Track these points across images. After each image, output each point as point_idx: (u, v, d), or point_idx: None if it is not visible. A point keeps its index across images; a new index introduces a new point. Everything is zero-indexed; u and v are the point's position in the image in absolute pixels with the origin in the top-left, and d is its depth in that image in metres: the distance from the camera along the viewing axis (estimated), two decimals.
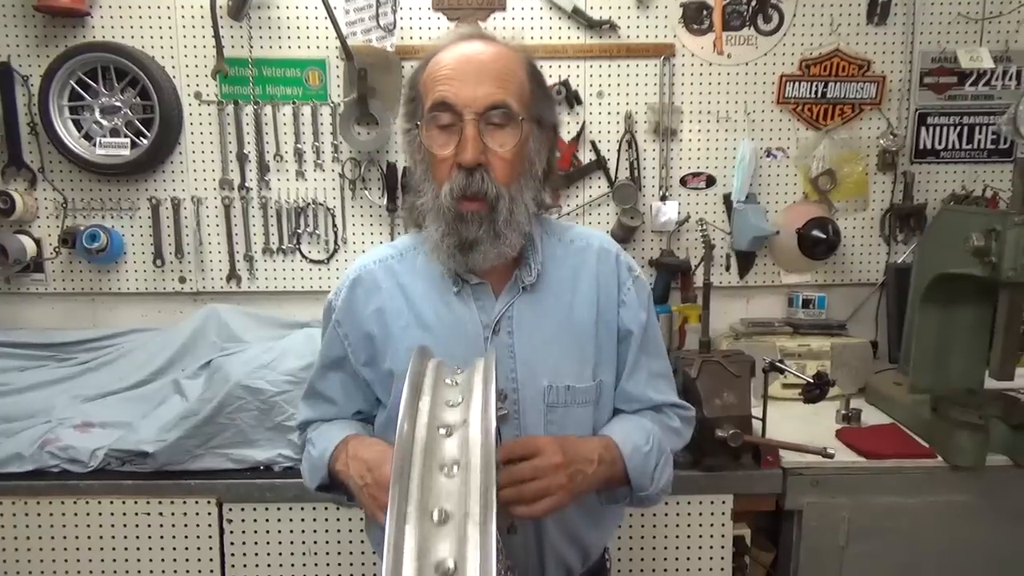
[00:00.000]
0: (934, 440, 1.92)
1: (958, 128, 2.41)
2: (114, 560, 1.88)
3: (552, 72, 2.33)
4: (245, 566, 1.89)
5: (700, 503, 1.87)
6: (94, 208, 2.36)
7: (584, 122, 2.37)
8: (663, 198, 2.41)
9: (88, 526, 1.86)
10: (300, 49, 2.32)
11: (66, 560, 1.87)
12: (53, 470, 1.86)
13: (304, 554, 1.89)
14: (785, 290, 2.49)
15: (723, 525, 1.88)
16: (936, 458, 1.87)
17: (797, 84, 2.37)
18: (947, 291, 1.97)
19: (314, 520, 1.87)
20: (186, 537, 1.87)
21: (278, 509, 1.86)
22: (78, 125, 2.28)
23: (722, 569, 1.90)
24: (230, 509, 1.87)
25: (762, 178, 2.43)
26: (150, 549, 1.87)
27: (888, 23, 2.36)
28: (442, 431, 0.81)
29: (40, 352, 2.29)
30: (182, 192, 2.37)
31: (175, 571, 1.88)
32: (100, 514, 1.86)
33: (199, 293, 2.42)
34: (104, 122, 2.27)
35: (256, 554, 1.88)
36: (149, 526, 1.86)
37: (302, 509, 1.87)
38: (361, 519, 1.82)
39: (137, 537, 1.87)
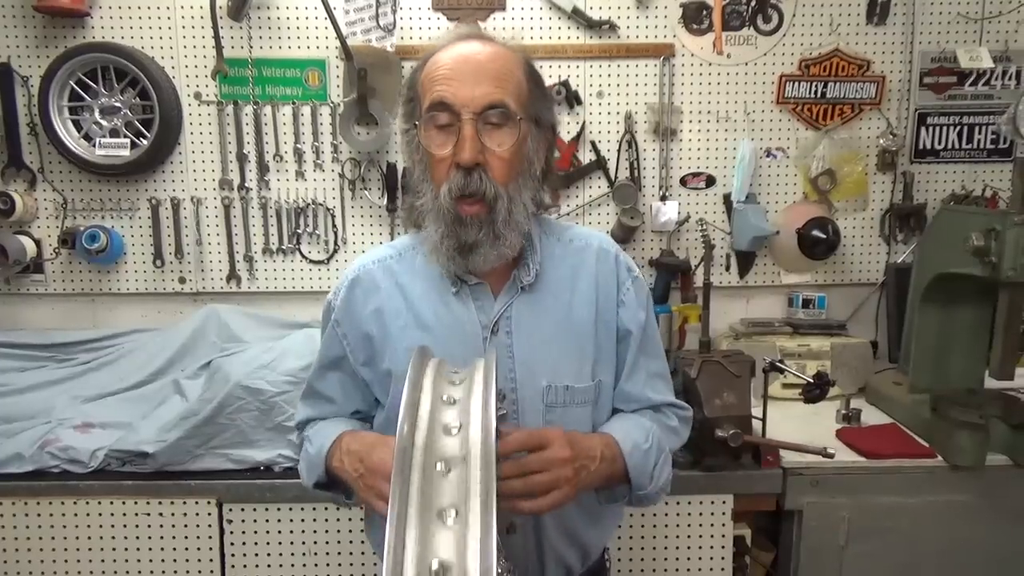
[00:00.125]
0: (934, 440, 1.92)
1: (958, 128, 2.41)
2: (114, 560, 1.88)
3: (552, 72, 2.33)
4: (245, 566, 1.89)
5: (700, 503, 1.87)
6: (94, 208, 2.36)
7: (584, 122, 2.37)
8: (663, 198, 2.41)
9: (88, 526, 1.86)
10: (300, 49, 2.32)
11: (66, 560, 1.87)
12: (53, 470, 1.86)
13: (304, 554, 1.89)
14: (785, 290, 2.49)
15: (723, 525, 1.88)
16: (936, 458, 1.88)
17: (797, 84, 2.37)
18: (947, 291, 1.97)
19: (314, 520, 1.87)
20: (186, 538, 1.87)
21: (278, 509, 1.86)
22: (78, 125, 2.28)
23: (722, 569, 1.90)
24: (230, 509, 1.87)
25: (762, 178, 2.43)
26: (150, 550, 1.87)
27: (888, 23, 2.36)
28: (442, 431, 0.81)
29: (40, 353, 2.29)
30: (182, 192, 2.37)
31: (175, 571, 1.88)
32: (100, 514, 1.86)
33: (199, 293, 2.42)
34: (104, 122, 2.27)
35: (256, 554, 1.88)
36: (149, 526, 1.86)
37: (302, 509, 1.87)
38: (361, 519, 1.83)
39: (137, 538, 1.87)
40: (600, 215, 2.42)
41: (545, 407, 1.20)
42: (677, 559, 1.90)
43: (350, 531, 1.88)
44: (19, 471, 1.85)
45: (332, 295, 1.29)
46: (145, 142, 2.27)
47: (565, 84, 2.34)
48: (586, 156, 2.39)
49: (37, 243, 2.36)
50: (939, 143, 2.42)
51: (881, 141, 2.40)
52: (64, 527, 1.86)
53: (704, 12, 2.34)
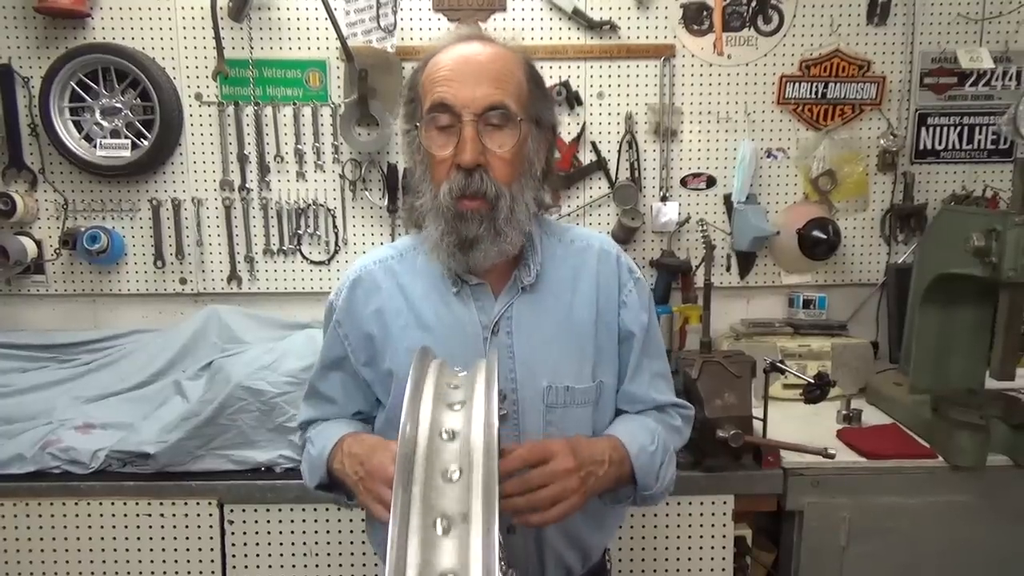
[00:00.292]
0: (935, 440, 1.92)
1: (958, 128, 2.41)
2: (115, 561, 1.88)
3: (552, 73, 2.33)
4: (246, 567, 1.89)
5: (701, 504, 1.87)
6: (95, 209, 2.36)
7: (584, 123, 2.37)
8: (664, 199, 2.41)
9: (89, 527, 1.86)
10: (300, 50, 2.32)
11: (67, 561, 1.87)
12: (54, 471, 1.86)
13: (305, 555, 1.89)
14: (786, 290, 2.49)
15: (724, 525, 1.88)
16: (937, 458, 1.88)
17: (797, 85, 2.38)
18: (947, 291, 1.97)
19: (315, 521, 1.87)
20: (187, 538, 1.87)
21: (279, 510, 1.87)
22: (79, 126, 2.28)
23: (723, 570, 1.90)
24: (231, 510, 1.87)
25: (762, 179, 2.43)
26: (151, 550, 1.87)
27: (888, 23, 2.36)
28: (444, 434, 0.81)
29: (41, 353, 2.29)
30: (183, 193, 2.37)
31: (176, 572, 1.88)
32: (101, 515, 1.86)
33: (200, 294, 2.42)
34: (105, 123, 2.27)
35: (257, 555, 1.88)
36: (150, 527, 1.86)
37: (303, 510, 1.87)
38: (362, 520, 1.83)
39: (138, 538, 1.87)
40: (601, 216, 2.42)
41: (545, 407, 1.20)
42: (678, 560, 1.90)
43: (351, 532, 1.88)
44: (20, 472, 1.85)
45: (334, 295, 1.29)
46: (146, 143, 2.28)
47: (566, 85, 2.34)
48: (586, 157, 2.39)
49: (38, 244, 2.36)
50: (939, 143, 2.42)
51: (881, 141, 2.40)
52: (65, 528, 1.86)
53: (704, 13, 2.34)
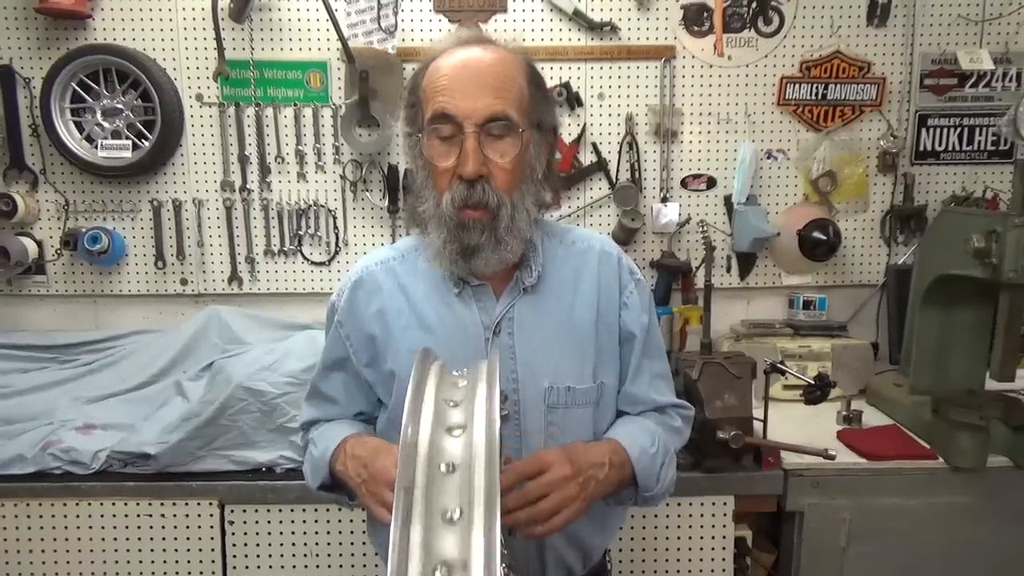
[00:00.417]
0: (935, 441, 1.92)
1: (958, 130, 2.42)
2: (116, 562, 1.88)
3: (553, 74, 2.33)
4: (247, 568, 1.89)
5: (701, 504, 1.87)
6: (96, 210, 2.37)
7: (585, 124, 2.37)
8: (664, 200, 2.41)
9: (90, 528, 1.86)
10: (301, 51, 2.32)
11: (68, 562, 1.88)
12: (55, 472, 1.86)
13: (306, 556, 1.89)
14: (786, 291, 2.49)
15: (724, 526, 1.88)
16: (937, 459, 1.88)
17: (797, 86, 2.38)
18: (947, 292, 1.97)
19: (316, 522, 1.88)
20: (188, 539, 1.87)
21: (280, 511, 1.87)
22: (80, 127, 2.28)
23: (723, 570, 1.90)
24: (232, 511, 1.87)
25: (763, 180, 2.43)
26: (152, 551, 1.87)
27: (888, 25, 2.36)
28: (446, 435, 0.81)
29: (42, 354, 2.29)
30: (183, 194, 2.37)
31: (177, 573, 1.88)
32: (102, 516, 1.86)
33: (200, 295, 2.42)
34: (106, 124, 2.27)
35: (258, 556, 1.89)
36: (151, 528, 1.86)
37: (304, 511, 1.87)
38: (363, 520, 1.83)
39: (139, 539, 1.87)
40: (601, 217, 2.43)
41: (547, 408, 1.20)
42: (678, 560, 1.90)
43: (351, 532, 1.88)
44: (21, 472, 1.85)
45: (335, 296, 1.29)
46: (147, 144, 2.28)
47: (566, 86, 2.34)
48: (587, 158, 2.40)
49: (39, 244, 2.36)
50: (940, 145, 2.42)
51: (882, 143, 2.40)
52: (66, 528, 1.86)
53: (705, 14, 2.34)
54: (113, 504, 1.86)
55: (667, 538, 1.89)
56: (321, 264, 2.42)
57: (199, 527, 1.86)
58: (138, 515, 1.86)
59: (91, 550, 1.87)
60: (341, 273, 2.39)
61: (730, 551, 1.90)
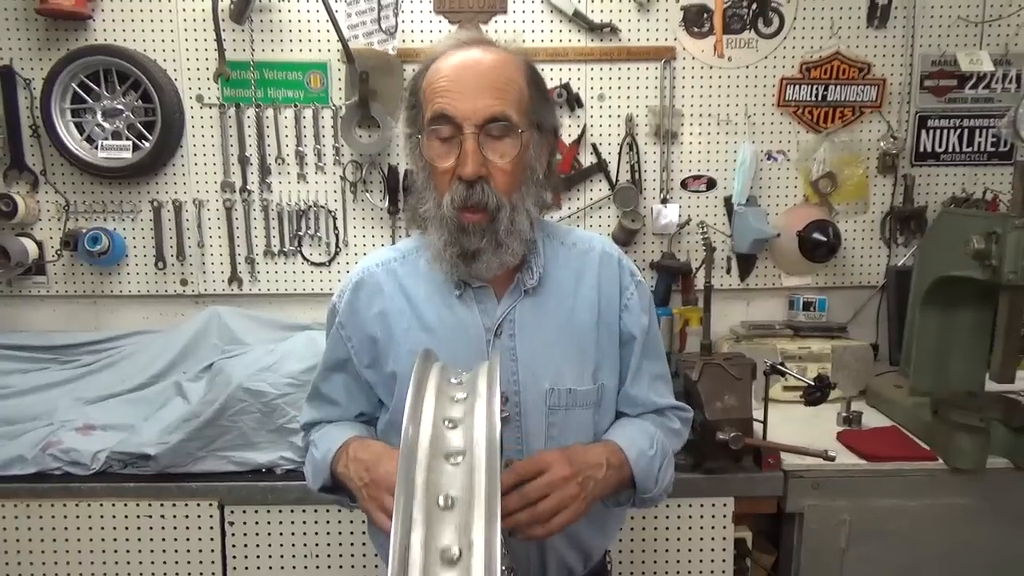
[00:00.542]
0: (935, 443, 1.92)
1: (958, 131, 2.42)
2: (116, 563, 1.88)
3: (553, 75, 2.33)
4: (247, 568, 1.89)
5: (701, 506, 1.87)
6: (96, 211, 2.37)
7: (585, 125, 2.38)
8: (664, 201, 2.41)
9: (90, 528, 1.86)
10: (302, 52, 2.32)
11: (67, 563, 1.88)
12: (55, 472, 1.86)
13: (306, 556, 1.89)
14: (786, 293, 2.49)
15: (724, 528, 1.88)
16: (937, 461, 1.88)
17: (797, 87, 2.38)
18: (947, 294, 1.97)
19: (316, 523, 1.88)
20: (187, 540, 1.87)
21: (279, 512, 1.87)
22: (80, 128, 2.28)
23: (723, 572, 1.90)
24: (231, 512, 1.87)
25: (763, 181, 2.43)
26: (151, 552, 1.87)
27: (888, 26, 2.36)
28: (446, 437, 0.82)
29: (42, 355, 2.29)
30: (184, 195, 2.37)
31: (176, 574, 1.88)
32: (102, 516, 1.86)
33: (201, 295, 2.42)
34: (106, 125, 2.27)
35: (258, 556, 1.89)
36: (151, 528, 1.86)
37: (304, 512, 1.87)
38: (363, 522, 1.83)
39: (139, 540, 1.87)
40: (601, 218, 2.43)
41: (548, 410, 1.20)
42: (678, 561, 1.90)
43: (351, 533, 1.88)
44: (21, 473, 1.85)
45: (336, 298, 1.29)
46: (147, 144, 2.28)
47: (566, 87, 2.34)
48: (587, 159, 2.40)
49: (39, 245, 2.36)
50: (939, 146, 2.42)
51: (882, 144, 2.40)
52: (66, 529, 1.86)
53: (705, 15, 2.34)
54: (113, 505, 1.86)
55: (667, 539, 1.89)
56: (321, 265, 2.42)
57: (199, 528, 1.86)
58: (138, 516, 1.86)
59: (91, 551, 1.87)
60: (341, 274, 2.39)
61: (730, 552, 1.90)
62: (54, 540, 1.87)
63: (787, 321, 2.46)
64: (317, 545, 1.89)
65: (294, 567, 1.89)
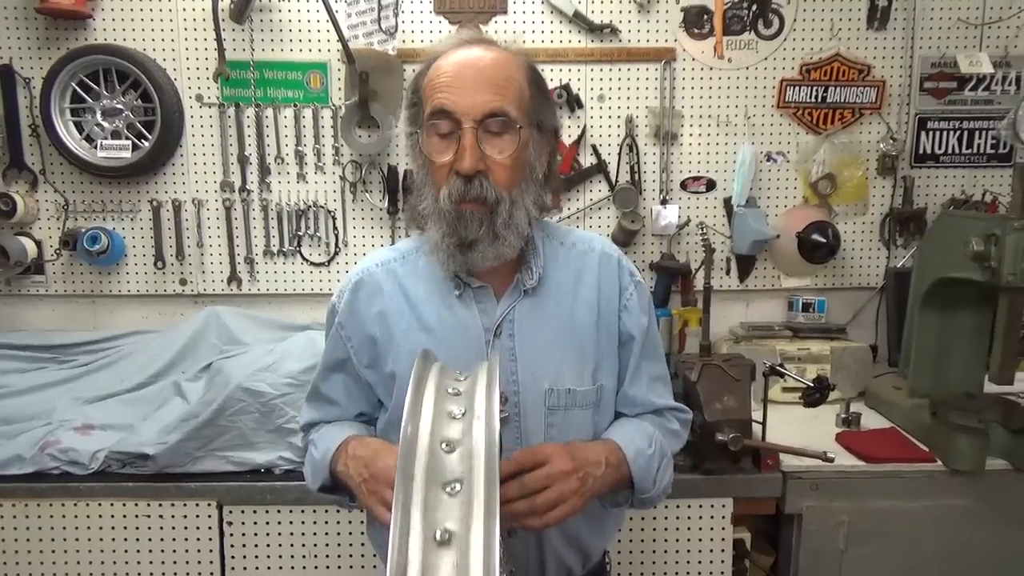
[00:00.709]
0: (934, 444, 1.92)
1: (958, 133, 2.42)
2: (114, 563, 1.88)
3: (553, 76, 2.33)
4: (245, 569, 1.89)
5: (700, 507, 1.87)
6: (95, 210, 2.36)
7: (585, 126, 2.38)
8: (663, 202, 2.41)
9: (88, 528, 1.86)
10: (301, 52, 2.32)
11: (66, 563, 1.87)
12: (53, 472, 1.86)
13: (304, 556, 1.89)
14: (785, 294, 2.49)
15: (723, 529, 1.88)
16: (935, 462, 1.88)
17: (797, 88, 2.38)
18: (947, 295, 1.97)
19: (314, 523, 1.87)
20: (186, 540, 1.87)
21: (278, 512, 1.87)
22: (79, 127, 2.28)
23: (722, 572, 1.90)
24: (230, 512, 1.87)
25: (762, 182, 2.43)
26: (150, 551, 1.87)
27: (888, 28, 2.36)
28: (445, 436, 0.82)
29: (41, 354, 2.29)
30: (183, 194, 2.37)
31: (175, 574, 1.88)
32: (100, 516, 1.86)
33: (200, 295, 2.42)
34: (105, 124, 2.27)
35: (256, 556, 1.88)
36: (149, 528, 1.86)
37: (302, 512, 1.87)
38: (362, 522, 1.83)
39: (137, 539, 1.87)
40: (601, 218, 2.43)
41: (547, 410, 1.20)
42: (677, 563, 1.90)
43: (350, 534, 1.88)
44: (19, 473, 1.85)
45: (336, 298, 1.29)
46: (147, 144, 2.28)
47: (566, 87, 2.35)
48: (587, 159, 2.40)
49: (38, 244, 2.36)
50: (939, 148, 2.43)
51: (881, 145, 2.40)
52: (64, 529, 1.86)
53: (705, 16, 2.34)
54: (111, 505, 1.85)
55: (666, 540, 1.89)
56: (320, 265, 2.42)
57: (197, 528, 1.86)
58: (136, 516, 1.86)
59: (89, 551, 1.87)
60: (340, 274, 2.39)
61: (729, 553, 1.90)
62: (52, 540, 1.86)
63: (786, 322, 2.46)
64: (316, 545, 1.88)
65: (293, 567, 1.89)
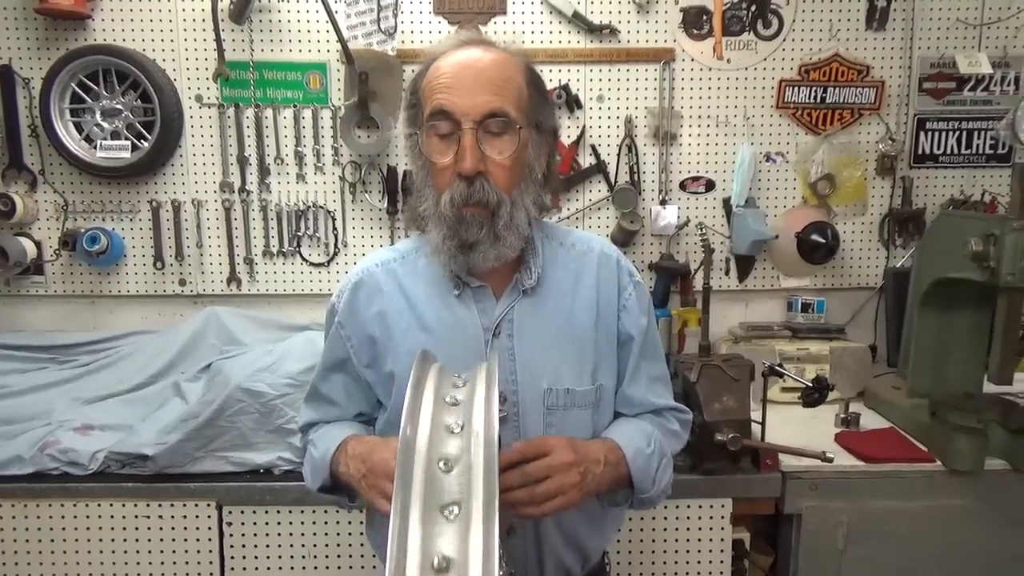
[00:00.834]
0: (933, 444, 1.92)
1: (957, 133, 2.42)
2: (114, 563, 1.87)
3: (552, 76, 2.33)
4: (244, 569, 1.89)
5: (699, 507, 1.87)
6: (94, 210, 2.36)
7: (584, 126, 2.38)
8: (663, 202, 2.42)
9: (88, 529, 1.86)
10: (301, 52, 2.32)
11: (65, 563, 1.87)
12: (53, 473, 1.86)
13: (304, 557, 1.89)
14: (784, 294, 2.50)
15: (722, 529, 1.88)
16: (935, 462, 1.88)
17: (796, 89, 2.38)
18: (946, 295, 1.97)
19: (314, 523, 1.87)
20: (186, 540, 1.87)
21: (278, 512, 1.87)
22: (79, 127, 2.28)
23: (721, 573, 1.90)
24: (230, 512, 1.87)
25: (761, 182, 2.43)
26: (150, 552, 1.87)
27: (887, 28, 2.37)
28: (445, 432, 0.82)
29: (40, 354, 2.29)
30: (182, 195, 2.37)
31: (175, 574, 1.88)
32: (100, 517, 1.86)
33: (199, 296, 2.42)
34: (105, 124, 2.27)
35: (256, 557, 1.88)
36: (149, 529, 1.86)
37: (302, 512, 1.87)
38: (361, 522, 1.83)
39: (137, 540, 1.87)
40: (600, 219, 2.43)
41: (546, 410, 1.20)
42: (676, 563, 1.90)
43: (350, 534, 1.88)
44: (19, 473, 1.85)
45: (335, 298, 1.29)
46: (146, 144, 2.28)
47: (565, 88, 2.35)
48: (586, 160, 2.40)
49: (37, 245, 2.36)
50: (938, 148, 2.43)
51: (880, 146, 2.40)
52: (64, 529, 1.86)
53: (704, 17, 2.34)
54: (111, 505, 1.85)
55: (665, 540, 1.89)
56: (320, 265, 2.42)
57: (197, 528, 1.86)
58: (136, 516, 1.86)
59: (88, 551, 1.87)
60: (340, 274, 2.39)
61: (728, 553, 1.90)
62: (52, 540, 1.86)
63: (785, 322, 2.46)
64: (315, 546, 1.88)
65: (292, 568, 1.89)
